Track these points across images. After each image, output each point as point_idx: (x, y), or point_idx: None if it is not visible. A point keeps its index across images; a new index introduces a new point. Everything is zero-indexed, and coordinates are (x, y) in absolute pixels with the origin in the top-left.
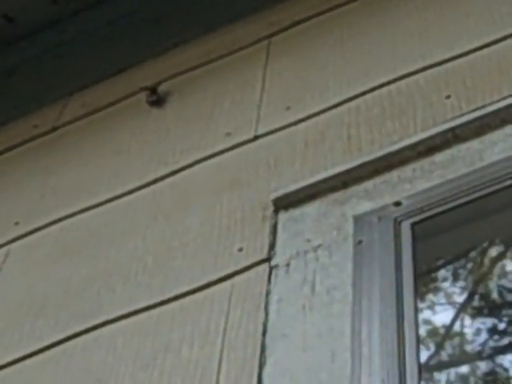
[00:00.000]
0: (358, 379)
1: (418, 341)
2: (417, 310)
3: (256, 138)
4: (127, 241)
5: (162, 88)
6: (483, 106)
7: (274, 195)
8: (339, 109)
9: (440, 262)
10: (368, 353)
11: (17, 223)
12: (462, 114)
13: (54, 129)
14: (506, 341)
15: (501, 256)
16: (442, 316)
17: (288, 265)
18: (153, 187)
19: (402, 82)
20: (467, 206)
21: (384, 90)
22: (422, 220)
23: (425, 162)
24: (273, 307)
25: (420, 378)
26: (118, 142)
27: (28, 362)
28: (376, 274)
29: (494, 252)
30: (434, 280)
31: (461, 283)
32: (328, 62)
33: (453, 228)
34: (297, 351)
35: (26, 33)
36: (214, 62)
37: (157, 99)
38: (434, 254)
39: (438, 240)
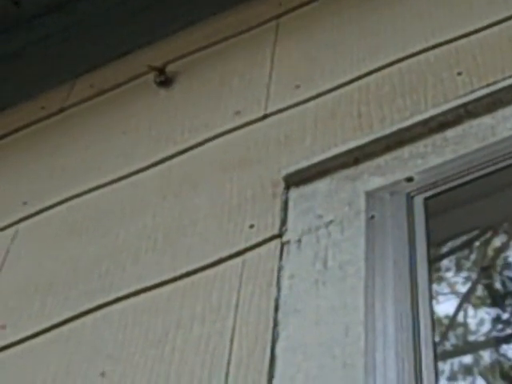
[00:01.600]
0: (373, 353)
1: (433, 314)
2: (431, 284)
3: (265, 116)
4: (136, 219)
5: (170, 68)
6: (494, 82)
7: (284, 172)
8: (349, 87)
9: (454, 239)
10: (382, 327)
11: (25, 203)
12: (474, 90)
13: (62, 110)
14: (509, 331)
15: (505, 245)
16: (445, 306)
17: (300, 241)
18: (162, 166)
19: (413, 60)
20: (480, 181)
21: (394, 67)
22: (435, 195)
23: (437, 138)
24: (285, 283)
25: (435, 351)
26: (127, 122)
27: (38, 339)
28: (389, 248)
29: (497, 241)
30: (438, 270)
31: (464, 273)
32: (337, 41)
33: (465, 203)
34: (310, 326)
35: (33, 15)
36: (222, 42)
37: (165, 79)
38: (448, 230)
39: (451, 215)
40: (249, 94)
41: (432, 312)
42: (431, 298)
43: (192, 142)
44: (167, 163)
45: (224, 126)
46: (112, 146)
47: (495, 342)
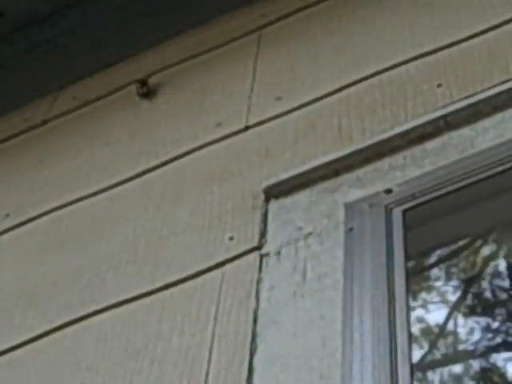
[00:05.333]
0: (350, 365)
1: (409, 326)
2: (408, 297)
3: (247, 128)
4: (117, 231)
5: (152, 80)
6: (474, 94)
7: (264, 184)
8: (330, 98)
9: (432, 251)
10: (359, 339)
11: (7, 215)
12: (453, 102)
13: (45, 122)
14: (499, 339)
15: (494, 254)
16: (435, 315)
17: (279, 253)
18: (143, 178)
19: (393, 72)
20: (459, 193)
21: (375, 79)
22: (414, 207)
23: (416, 150)
24: (264, 295)
25: (411, 364)
26: (109, 133)
27: (18, 352)
28: (367, 260)
29: (486, 250)
30: (427, 279)
31: (454, 282)
32: (318, 52)
33: (445, 215)
34: (288, 338)
35: (17, 27)
36: (204, 53)
37: (147, 91)
38: (426, 241)
39: (430, 227)
40: (230, 105)
41: (409, 324)
42: (409, 310)
43: (174, 153)
44: (149, 175)
45: (205, 137)
46: (94, 157)
47: (485, 351)
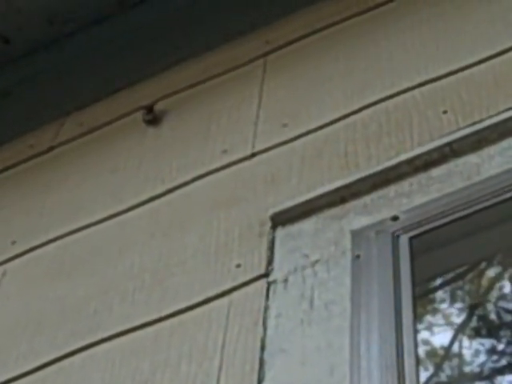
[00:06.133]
0: None
1: (417, 354)
2: (415, 324)
3: (253, 155)
4: (124, 258)
5: (158, 107)
6: (480, 121)
7: (271, 211)
8: (336, 125)
9: (439, 277)
10: (367, 366)
11: (13, 242)
12: (459, 129)
13: (51, 148)
14: (504, 361)
15: (499, 277)
16: (440, 337)
17: (286, 280)
18: (150, 205)
19: (399, 98)
20: (465, 220)
21: (381, 105)
22: (420, 234)
23: (422, 177)
24: (271, 322)
25: None
26: (115, 160)
27: (25, 380)
28: (374, 288)
29: (491, 272)
30: (432, 301)
31: (459, 304)
32: (324, 79)
33: (451, 242)
34: (296, 366)
35: (23, 53)
36: (210, 80)
37: (153, 118)
38: (433, 268)
39: (437, 254)
40: (236, 132)
41: (416, 351)
42: (416, 336)
43: (180, 180)
44: (155, 202)
45: (212, 164)
46: (100, 184)
47: (490, 373)
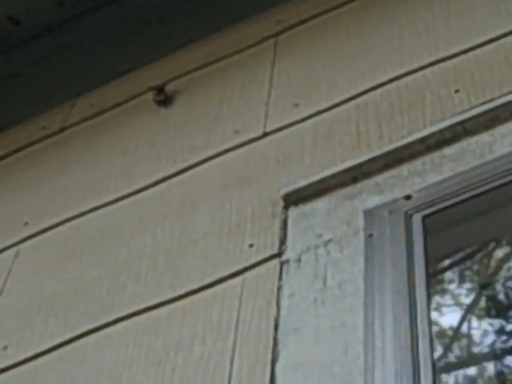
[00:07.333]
0: (372, 371)
1: (432, 332)
2: (429, 302)
3: (265, 135)
4: (137, 239)
5: (169, 87)
6: (492, 99)
7: (283, 191)
8: (347, 105)
9: (449, 257)
10: (381, 345)
11: (26, 223)
12: (471, 108)
13: (62, 129)
14: None
15: (508, 257)
16: (449, 317)
17: (299, 260)
18: (161, 186)
19: (410, 78)
20: (478, 199)
21: (392, 85)
22: (433, 213)
23: (435, 156)
24: (284, 302)
25: (434, 370)
26: (126, 141)
27: (40, 360)
28: (387, 267)
29: (500, 253)
30: (441, 282)
31: (468, 285)
32: (335, 58)
33: (464, 220)
34: (309, 345)
35: (33, 35)
36: (221, 60)
37: (164, 99)
38: (445, 248)
39: (450, 233)
40: (248, 112)
41: (431, 330)
42: (430, 316)
43: (192, 161)
44: (167, 182)
45: (223, 145)
46: (112, 165)
47: (499, 354)
